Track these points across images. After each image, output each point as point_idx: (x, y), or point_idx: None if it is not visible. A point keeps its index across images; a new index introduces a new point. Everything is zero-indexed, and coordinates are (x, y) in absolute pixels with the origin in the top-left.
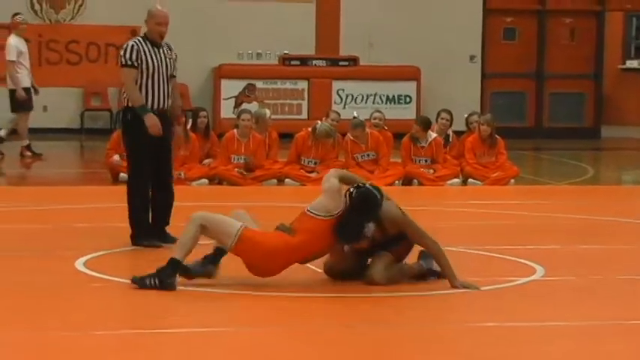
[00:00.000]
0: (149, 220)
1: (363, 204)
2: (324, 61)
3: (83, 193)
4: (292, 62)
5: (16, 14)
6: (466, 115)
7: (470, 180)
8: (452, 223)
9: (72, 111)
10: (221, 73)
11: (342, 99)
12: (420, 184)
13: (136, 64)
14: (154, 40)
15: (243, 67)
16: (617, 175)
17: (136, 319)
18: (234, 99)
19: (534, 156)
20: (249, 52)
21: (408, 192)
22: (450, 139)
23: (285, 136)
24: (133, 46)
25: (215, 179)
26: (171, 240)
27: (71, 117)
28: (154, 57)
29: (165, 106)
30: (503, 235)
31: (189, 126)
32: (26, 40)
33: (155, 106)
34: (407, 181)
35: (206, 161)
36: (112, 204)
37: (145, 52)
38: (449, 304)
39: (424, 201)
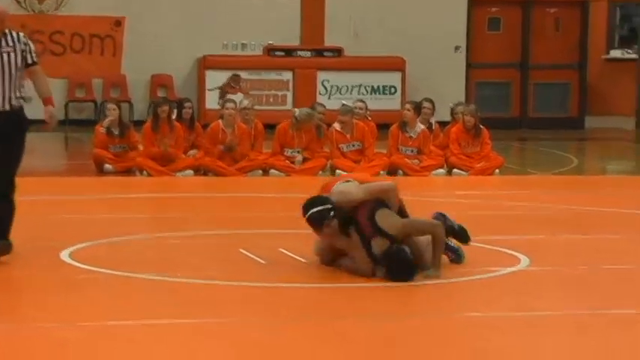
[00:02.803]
0: None
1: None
2: (308, 52)
3: (68, 184)
4: (277, 53)
5: None
6: (452, 106)
7: (455, 170)
8: None
9: (56, 102)
10: (206, 63)
11: (327, 90)
12: (405, 174)
13: None
14: None
15: (228, 58)
16: (601, 164)
17: (121, 310)
18: (219, 90)
19: (519, 146)
20: (234, 42)
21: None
22: (433, 128)
23: (271, 127)
24: None
25: (200, 170)
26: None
27: (55, 108)
28: None
29: (6, 106)
30: (488, 225)
31: (174, 116)
32: None
33: None
34: (392, 171)
35: (191, 152)
36: (97, 195)
37: None
38: (433, 296)
39: (409, 191)
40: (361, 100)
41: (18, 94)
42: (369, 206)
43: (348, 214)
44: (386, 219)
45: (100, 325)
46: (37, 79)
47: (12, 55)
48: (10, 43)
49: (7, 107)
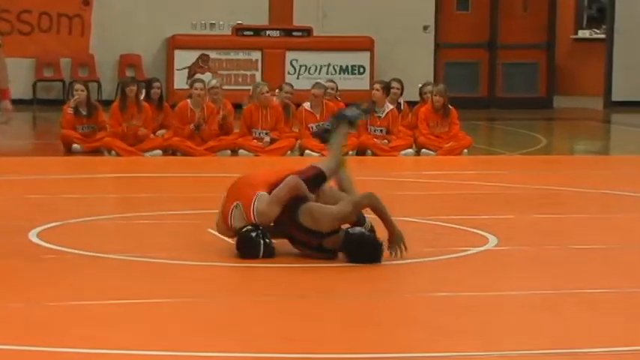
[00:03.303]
0: None
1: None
2: (277, 32)
3: (36, 164)
4: (246, 33)
5: None
6: (420, 85)
7: (423, 150)
8: (405, 193)
9: (24, 82)
10: (174, 43)
11: (295, 69)
12: (374, 154)
13: None
14: None
15: (196, 38)
16: (569, 144)
17: (89, 290)
18: (187, 69)
19: (487, 126)
20: (203, 22)
21: (362, 162)
22: (402, 108)
23: (239, 107)
24: None
25: (169, 150)
26: None
27: (23, 88)
28: None
29: None
30: (456, 205)
31: (142, 96)
32: None
33: None
34: (360, 151)
35: (159, 132)
36: (65, 175)
37: None
38: (399, 275)
39: (378, 171)
40: (332, 81)
41: None
42: (290, 217)
43: (282, 233)
44: (312, 219)
45: (68, 304)
46: None
47: None
48: None
49: None
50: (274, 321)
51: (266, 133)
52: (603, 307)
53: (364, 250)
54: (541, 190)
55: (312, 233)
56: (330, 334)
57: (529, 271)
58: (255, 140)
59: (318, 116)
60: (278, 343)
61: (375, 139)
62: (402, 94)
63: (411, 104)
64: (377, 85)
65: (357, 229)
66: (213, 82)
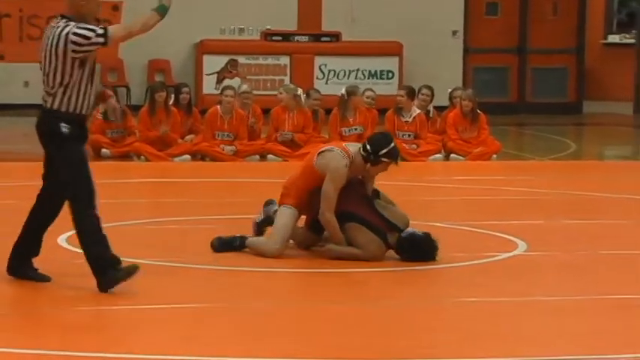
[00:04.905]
0: None
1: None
2: (306, 37)
3: None
4: (274, 38)
5: None
6: (450, 90)
7: (452, 155)
8: (435, 198)
9: None
10: (203, 48)
11: (324, 74)
12: (403, 159)
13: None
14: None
15: (225, 43)
16: (599, 150)
17: (119, 294)
18: (216, 74)
19: (517, 131)
20: (232, 27)
21: (391, 167)
22: (431, 115)
23: (268, 112)
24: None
25: (197, 155)
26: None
27: None
28: None
29: None
30: (485, 210)
31: (171, 101)
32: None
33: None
34: None
35: (188, 137)
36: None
37: None
38: (430, 280)
39: (407, 176)
40: (371, 90)
41: None
42: (360, 198)
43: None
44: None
45: (99, 309)
46: None
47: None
48: None
49: None
50: (302, 326)
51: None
52: (634, 313)
53: (424, 251)
54: (571, 196)
55: (388, 222)
56: (360, 340)
57: (558, 276)
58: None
59: (351, 120)
60: (310, 349)
61: (404, 144)
62: (431, 100)
63: (440, 109)
64: (401, 92)
65: (410, 230)
66: (244, 87)
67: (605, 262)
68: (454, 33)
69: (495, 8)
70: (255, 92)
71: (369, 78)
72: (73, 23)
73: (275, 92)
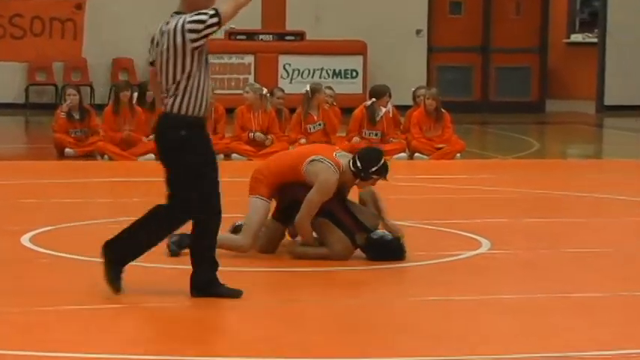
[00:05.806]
0: None
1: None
2: (270, 36)
3: (28, 168)
4: (239, 37)
5: None
6: (413, 89)
7: (416, 154)
8: (399, 197)
9: (16, 86)
10: None
11: (288, 73)
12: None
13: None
14: None
15: None
16: (561, 148)
17: (82, 294)
18: None
19: (480, 130)
20: None
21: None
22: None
23: (232, 111)
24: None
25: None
26: None
27: (16, 92)
28: None
29: None
30: (449, 209)
31: (134, 100)
32: None
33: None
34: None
35: (152, 136)
36: (58, 179)
37: None
38: (394, 278)
39: None
40: (330, 87)
41: None
42: (334, 195)
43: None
44: (362, 212)
45: (62, 309)
46: None
47: None
48: None
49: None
50: (267, 323)
51: (264, 135)
52: (595, 311)
53: (391, 253)
54: (534, 194)
55: (359, 222)
56: (323, 339)
57: (521, 274)
58: (248, 143)
59: (315, 117)
60: (269, 347)
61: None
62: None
63: (404, 108)
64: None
65: (379, 232)
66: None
67: (568, 261)
68: (418, 32)
69: (459, 7)
70: (219, 91)
71: (333, 77)
72: (185, 15)
73: (239, 91)
